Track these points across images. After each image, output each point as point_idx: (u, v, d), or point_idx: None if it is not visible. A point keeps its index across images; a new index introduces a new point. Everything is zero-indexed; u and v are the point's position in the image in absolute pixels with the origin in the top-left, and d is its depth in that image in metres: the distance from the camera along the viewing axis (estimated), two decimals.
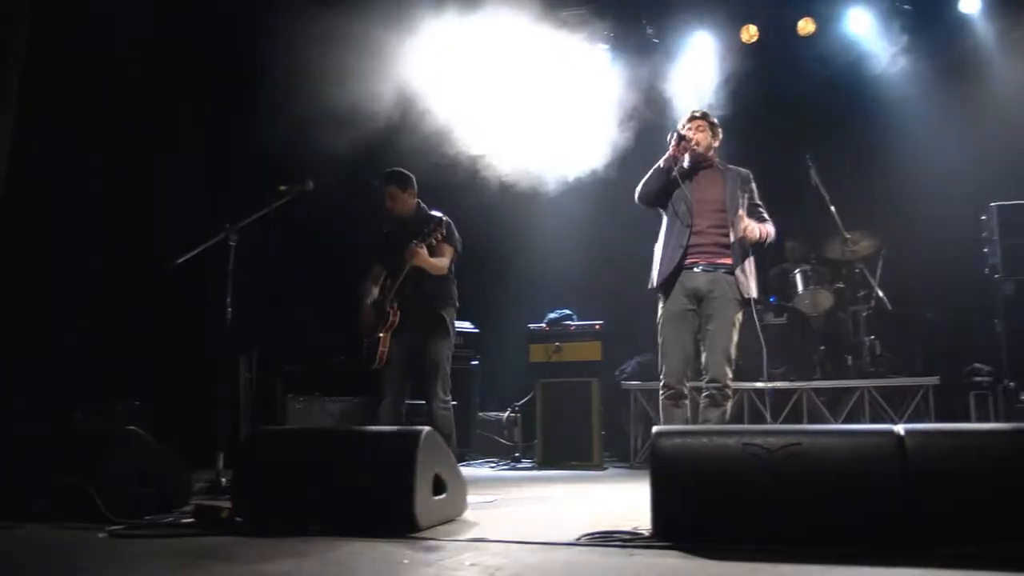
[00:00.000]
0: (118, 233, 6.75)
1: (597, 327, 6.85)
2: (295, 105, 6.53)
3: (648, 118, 6.95)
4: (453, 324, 5.02)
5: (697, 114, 4.73)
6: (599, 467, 6.59)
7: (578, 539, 2.92)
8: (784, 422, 6.30)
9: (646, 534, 2.88)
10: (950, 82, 7.32)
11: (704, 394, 4.43)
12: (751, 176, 4.70)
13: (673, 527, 2.78)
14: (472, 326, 7.37)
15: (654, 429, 2.95)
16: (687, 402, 4.47)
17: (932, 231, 7.02)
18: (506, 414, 7.28)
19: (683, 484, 2.78)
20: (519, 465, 6.83)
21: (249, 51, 6.89)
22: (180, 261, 4.70)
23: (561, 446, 6.70)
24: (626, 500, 4.24)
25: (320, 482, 3.32)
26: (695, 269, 4.47)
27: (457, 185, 7.07)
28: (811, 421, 6.38)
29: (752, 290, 4.50)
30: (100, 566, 2.70)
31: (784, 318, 6.68)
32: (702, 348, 4.47)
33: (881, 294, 6.75)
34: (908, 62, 7.47)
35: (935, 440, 2.76)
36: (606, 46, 7.97)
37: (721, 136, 4.76)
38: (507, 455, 7.05)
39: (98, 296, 6.63)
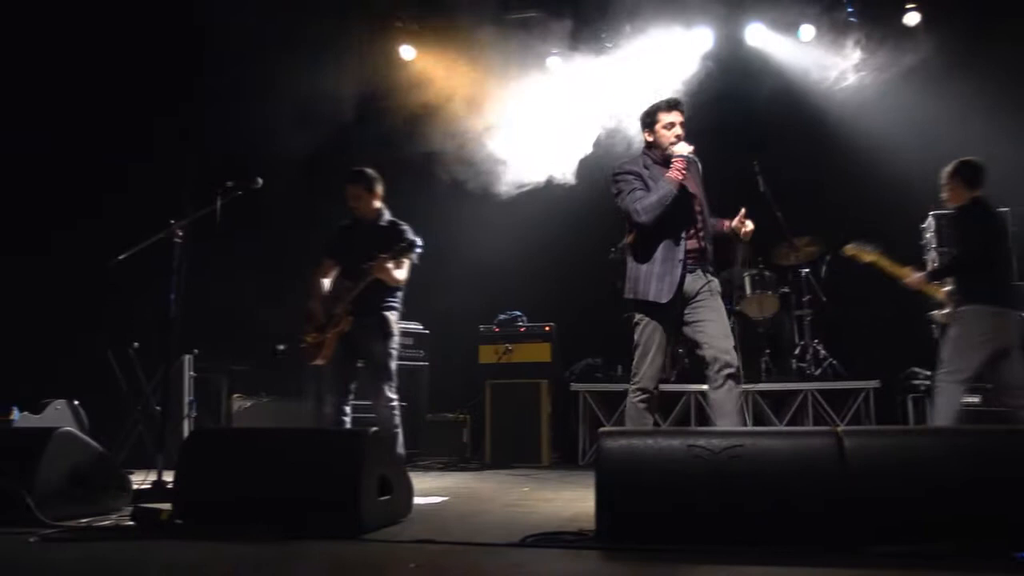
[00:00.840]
0: (59, 230, 6.59)
1: (547, 329, 6.87)
2: (246, 102, 6.45)
3: (601, 121, 6.99)
4: (396, 324, 4.95)
5: (675, 101, 4.40)
6: (547, 468, 6.60)
7: (523, 540, 2.92)
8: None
9: (591, 535, 2.89)
10: (896, 92, 7.50)
11: (720, 381, 4.15)
12: (698, 161, 4.47)
13: (618, 527, 2.80)
14: (422, 327, 7.33)
15: (600, 430, 2.96)
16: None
17: (876, 238, 7.18)
18: (455, 415, 7.26)
19: (628, 485, 2.80)
20: (468, 466, 6.81)
21: (198, 45, 6.77)
22: (121, 258, 4.60)
23: (510, 447, 6.71)
24: (573, 501, 4.26)
25: (264, 483, 3.27)
26: (685, 273, 4.25)
27: (409, 184, 7.04)
28: (756, 423, 6.48)
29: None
30: (29, 574, 2.62)
31: (731, 321, 6.77)
32: (702, 339, 4.21)
33: (825, 299, 6.89)
34: (856, 73, 7.64)
35: (872, 442, 2.83)
36: (560, 49, 8.00)
37: None
38: (456, 456, 7.03)
39: (36, 294, 6.46)
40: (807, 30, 7.75)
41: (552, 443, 6.84)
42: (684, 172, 4.22)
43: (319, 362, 4.81)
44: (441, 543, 2.93)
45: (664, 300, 4.19)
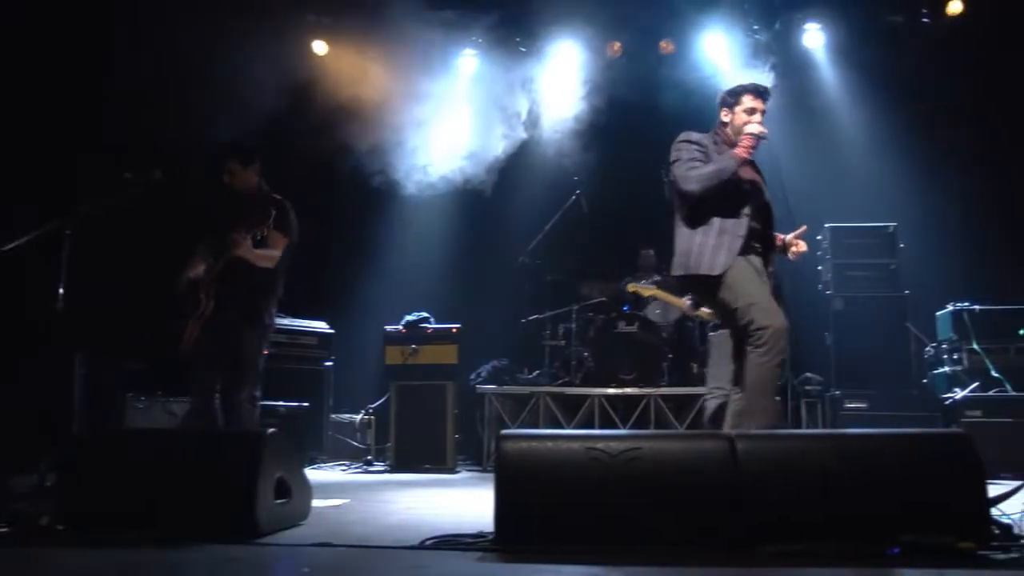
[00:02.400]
0: None
1: (454, 330, 6.85)
2: (149, 93, 6.22)
3: (513, 124, 7.04)
4: (272, 318, 4.64)
5: (765, 89, 4.18)
6: (452, 470, 6.59)
7: (422, 543, 2.90)
8: (633, 427, 6.50)
9: (491, 537, 2.89)
10: (796, 109, 7.79)
11: None
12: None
13: (516, 530, 2.81)
14: (327, 326, 7.21)
15: (500, 433, 2.97)
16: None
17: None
18: (359, 416, 7.17)
19: (527, 487, 2.81)
20: (371, 468, 6.73)
21: (105, 36, 6.49)
22: (5, 249, 4.35)
23: (415, 449, 6.66)
24: (476, 503, 4.26)
25: (155, 486, 3.15)
26: (749, 255, 3.98)
27: (318, 181, 6.93)
28: (658, 426, 6.61)
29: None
30: None
31: (636, 326, 6.89)
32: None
33: None
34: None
35: (763, 445, 2.92)
36: (474, 51, 8.01)
37: None
38: (360, 458, 6.93)
39: None
40: (714, 44, 7.98)
41: (457, 445, 6.82)
42: (751, 152, 3.98)
43: (184, 346, 4.42)
44: (338, 546, 2.89)
45: (717, 272, 3.86)
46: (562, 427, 6.58)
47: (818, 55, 8.14)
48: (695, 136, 4.08)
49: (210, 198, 4.80)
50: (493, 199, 7.19)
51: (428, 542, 2.91)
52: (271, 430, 3.34)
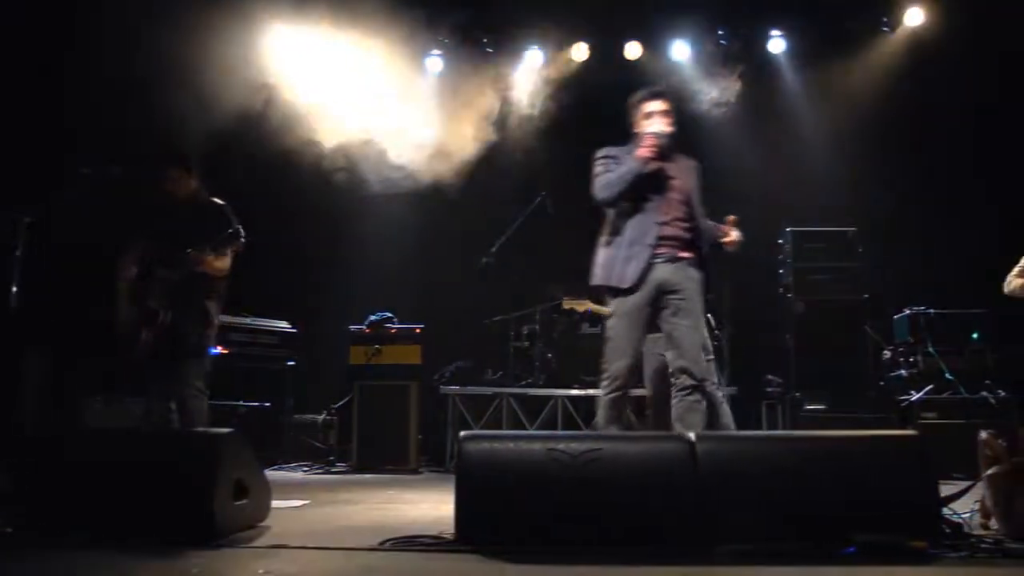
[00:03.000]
0: None
1: (418, 331, 6.83)
2: (107, 84, 6.12)
3: (479, 124, 7.03)
4: (217, 315, 4.69)
5: (659, 91, 4.36)
6: (415, 471, 6.56)
7: (381, 544, 2.89)
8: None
9: (451, 538, 2.88)
10: (760, 115, 7.88)
11: (681, 394, 4.05)
12: (699, 167, 4.40)
13: (476, 531, 2.81)
14: (289, 326, 7.15)
15: (461, 434, 2.97)
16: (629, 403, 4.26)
17: (736, 252, 7.50)
18: (322, 417, 7.10)
19: (487, 488, 2.81)
20: (333, 469, 6.68)
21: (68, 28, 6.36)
22: None
23: (377, 450, 6.62)
24: (438, 504, 4.24)
25: (110, 487, 3.09)
26: (657, 261, 4.09)
27: (279, 179, 6.86)
28: (627, 427, 6.63)
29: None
30: None
31: (599, 328, 6.92)
32: (671, 344, 4.09)
33: None
34: (724, 93, 7.98)
35: (723, 446, 2.96)
36: (441, 51, 8.00)
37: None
38: (321, 458, 6.87)
39: None
40: (680, 49, 8.05)
41: (420, 446, 6.80)
42: (654, 151, 4.06)
43: (138, 356, 4.46)
44: (295, 547, 2.86)
45: (626, 285, 4.01)
46: (525, 428, 6.60)
47: (782, 62, 8.24)
48: (608, 151, 4.25)
49: (151, 205, 4.76)
50: (458, 199, 7.17)
51: (388, 543, 2.90)
52: (229, 430, 3.29)
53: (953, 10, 7.80)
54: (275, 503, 3.69)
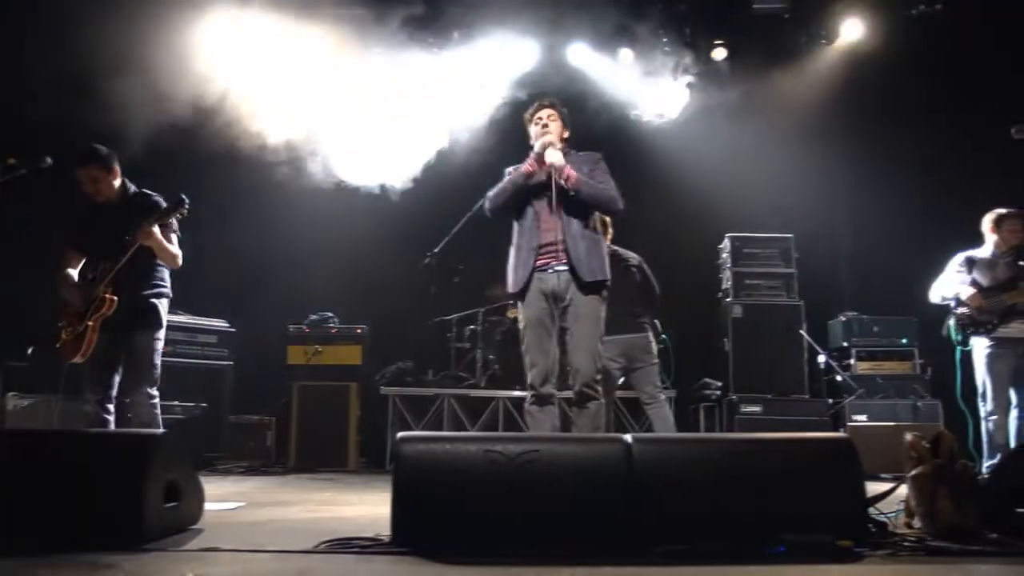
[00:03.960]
0: None
1: (359, 331, 6.78)
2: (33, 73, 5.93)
3: (424, 124, 7.00)
4: (165, 314, 4.60)
5: (546, 103, 4.50)
6: (354, 472, 6.51)
7: (316, 546, 2.85)
8: None
9: (387, 540, 2.86)
10: (703, 123, 7.99)
11: (576, 398, 4.20)
12: (600, 156, 4.47)
13: (412, 532, 2.79)
14: (227, 324, 7.01)
15: (398, 435, 2.94)
16: (554, 408, 4.24)
17: (677, 257, 7.62)
18: (259, 417, 6.99)
19: (423, 490, 2.79)
20: (271, 470, 6.58)
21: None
22: None
23: (316, 451, 6.55)
24: (376, 506, 4.20)
25: (33, 489, 2.99)
26: (548, 271, 4.22)
27: (218, 176, 6.74)
28: (564, 429, 6.66)
29: (605, 272, 4.31)
30: None
31: None
32: (567, 349, 4.22)
33: None
34: (668, 100, 8.08)
35: (658, 448, 2.99)
36: (387, 49, 7.92)
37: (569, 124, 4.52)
38: (259, 460, 6.77)
39: None
40: (626, 54, 8.12)
41: (360, 447, 6.74)
42: (533, 166, 4.26)
43: (78, 359, 4.35)
44: (227, 551, 2.80)
45: (513, 289, 4.24)
46: (466, 429, 6.59)
47: (724, 71, 8.37)
48: (510, 167, 4.45)
49: (80, 209, 4.64)
50: (402, 199, 7.13)
51: (322, 545, 2.86)
52: (160, 430, 3.21)
53: (888, 24, 8.04)
54: (209, 505, 3.61)
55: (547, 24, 7.94)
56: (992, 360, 5.42)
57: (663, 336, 6.12)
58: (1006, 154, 4.88)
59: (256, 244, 7.37)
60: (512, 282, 4.30)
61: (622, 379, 5.83)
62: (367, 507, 4.30)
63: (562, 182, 4.22)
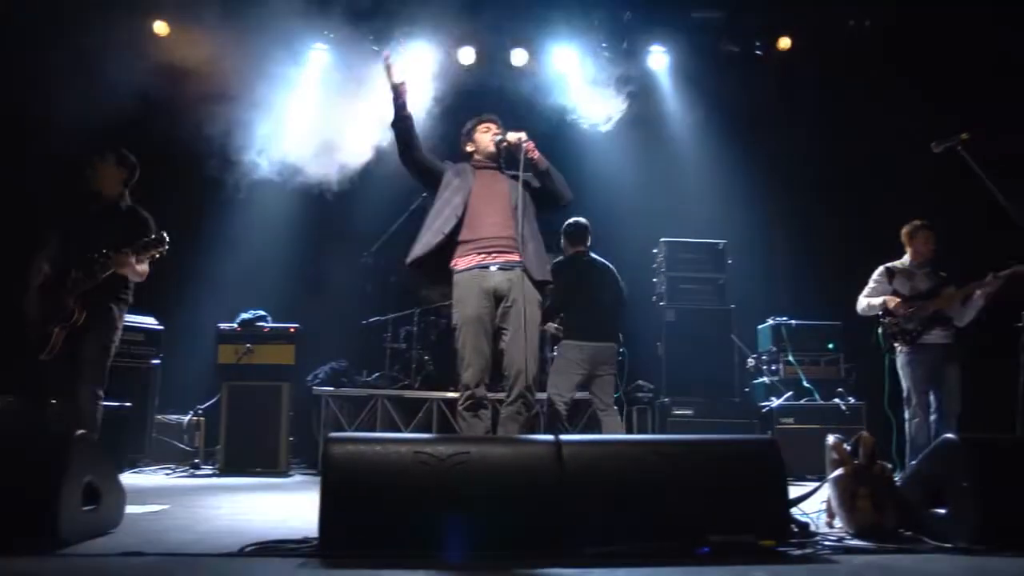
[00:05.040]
0: None
1: (292, 330, 6.66)
2: None
3: (362, 122, 6.91)
4: (121, 318, 4.65)
5: (489, 117, 4.54)
6: (285, 474, 6.40)
7: (241, 549, 2.80)
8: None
9: (314, 543, 2.82)
10: (639, 128, 8.08)
11: (508, 400, 4.15)
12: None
13: (341, 535, 2.76)
14: (155, 322, 6.82)
15: (328, 436, 2.91)
16: (487, 412, 4.19)
17: (613, 261, 7.67)
18: (187, 417, 6.83)
19: (353, 491, 2.76)
20: (198, 472, 6.43)
21: None
22: None
23: (246, 452, 6.41)
24: (306, 508, 4.14)
25: None
26: (491, 268, 4.14)
27: (150, 170, 6.54)
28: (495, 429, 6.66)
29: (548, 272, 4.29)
30: None
31: None
32: (504, 350, 4.15)
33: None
34: (607, 106, 8.14)
35: (589, 450, 3.01)
36: (325, 45, 7.83)
37: None
38: (186, 461, 6.61)
39: None
40: (564, 59, 8.16)
41: (291, 448, 6.63)
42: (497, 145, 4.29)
43: (43, 357, 4.38)
44: (148, 555, 2.73)
45: (412, 259, 4.21)
46: (400, 431, 6.54)
47: (661, 77, 8.49)
48: (451, 166, 4.45)
49: (69, 201, 4.72)
50: (338, 196, 7.03)
51: (248, 548, 2.81)
52: (79, 431, 3.11)
53: (820, 37, 8.26)
54: (131, 509, 3.53)
55: (487, 27, 7.94)
56: (915, 366, 5.60)
57: (622, 349, 6.22)
58: (929, 166, 5.02)
59: (187, 240, 7.18)
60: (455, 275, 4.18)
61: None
62: (296, 510, 4.24)
63: (531, 156, 4.23)
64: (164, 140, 6.24)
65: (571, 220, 5.98)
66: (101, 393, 4.48)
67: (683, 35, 8.33)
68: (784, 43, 8.31)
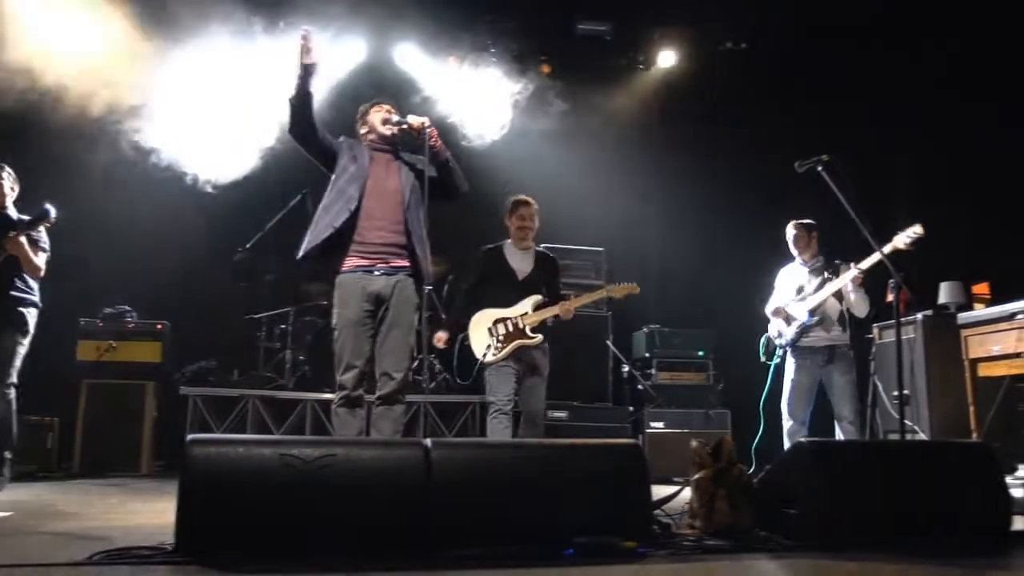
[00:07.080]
0: None
1: (159, 326, 6.40)
2: None
3: (244, 115, 6.72)
4: (33, 323, 4.93)
5: (387, 100, 4.60)
6: (147, 476, 6.13)
7: (90, 558, 2.65)
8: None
9: (170, 548, 2.70)
10: (524, 135, 8.14)
11: (379, 400, 4.18)
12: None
13: (199, 540, 2.65)
14: None
15: (188, 437, 2.80)
16: (363, 411, 4.16)
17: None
18: (39, 417, 6.42)
19: (213, 495, 2.66)
20: (51, 475, 6.07)
21: None
22: None
23: (105, 453, 6.13)
24: (166, 512, 3.95)
25: None
26: (375, 272, 4.14)
27: (8, 153, 6.15)
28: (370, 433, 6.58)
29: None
30: None
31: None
32: (377, 351, 4.15)
33: (444, 316, 7.24)
34: (491, 113, 8.16)
35: (457, 453, 3.02)
36: (218, 35, 7.53)
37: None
38: (37, 464, 6.21)
39: None
40: (452, 64, 8.14)
41: (156, 450, 6.35)
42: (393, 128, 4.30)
43: None
44: None
45: (303, 253, 4.16)
46: (271, 432, 6.37)
47: (547, 89, 8.58)
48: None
49: None
50: (215, 190, 6.78)
51: (96, 556, 2.66)
52: None
53: (700, 56, 8.59)
54: None
55: (376, 24, 7.86)
56: (796, 370, 5.65)
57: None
58: (804, 181, 5.14)
59: (48, 227, 6.78)
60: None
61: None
62: (155, 514, 4.06)
63: (434, 144, 4.21)
64: (24, 118, 5.86)
65: None
66: (11, 390, 4.84)
67: (568, 46, 8.49)
68: (665, 59, 8.61)
